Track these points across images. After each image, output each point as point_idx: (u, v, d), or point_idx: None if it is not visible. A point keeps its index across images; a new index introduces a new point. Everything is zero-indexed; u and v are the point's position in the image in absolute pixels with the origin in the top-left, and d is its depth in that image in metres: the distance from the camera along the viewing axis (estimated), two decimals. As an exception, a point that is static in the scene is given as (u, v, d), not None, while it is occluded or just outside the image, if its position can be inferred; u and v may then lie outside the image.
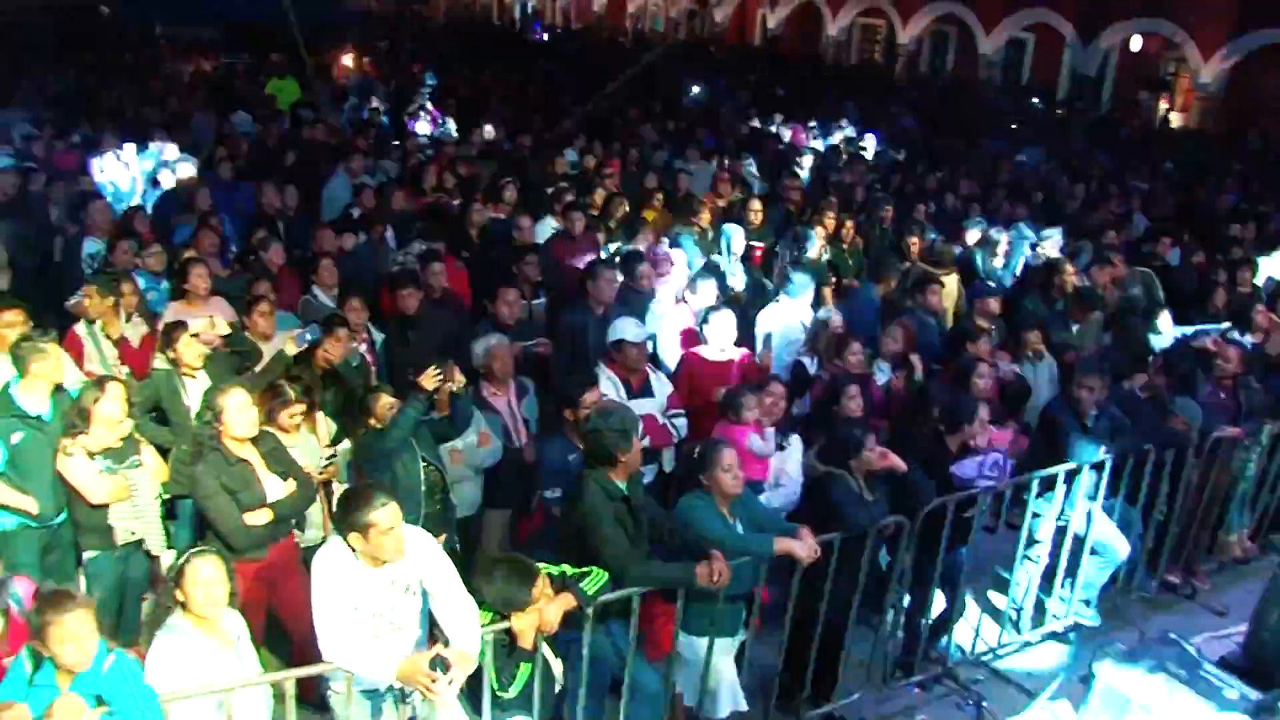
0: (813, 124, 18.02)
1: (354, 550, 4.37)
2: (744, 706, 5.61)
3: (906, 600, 6.45)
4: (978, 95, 22.98)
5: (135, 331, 7.32)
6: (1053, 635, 7.09)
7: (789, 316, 8.18)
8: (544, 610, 4.57)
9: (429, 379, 5.73)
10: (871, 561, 5.89)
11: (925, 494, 6.03)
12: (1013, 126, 18.58)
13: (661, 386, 6.97)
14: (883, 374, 7.56)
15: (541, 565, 4.71)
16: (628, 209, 10.69)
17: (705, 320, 7.40)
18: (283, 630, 5.63)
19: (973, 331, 7.87)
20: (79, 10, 25.57)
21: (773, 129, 18.03)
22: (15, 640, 4.29)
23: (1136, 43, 23.32)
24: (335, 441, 6.35)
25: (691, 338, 7.77)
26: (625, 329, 6.86)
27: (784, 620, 5.75)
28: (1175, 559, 7.56)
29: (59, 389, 5.97)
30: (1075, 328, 8.85)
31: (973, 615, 6.97)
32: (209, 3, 26.27)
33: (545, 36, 31.50)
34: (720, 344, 7.31)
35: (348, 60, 22.32)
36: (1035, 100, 22.96)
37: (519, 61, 25.21)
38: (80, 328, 7.11)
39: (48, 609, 3.90)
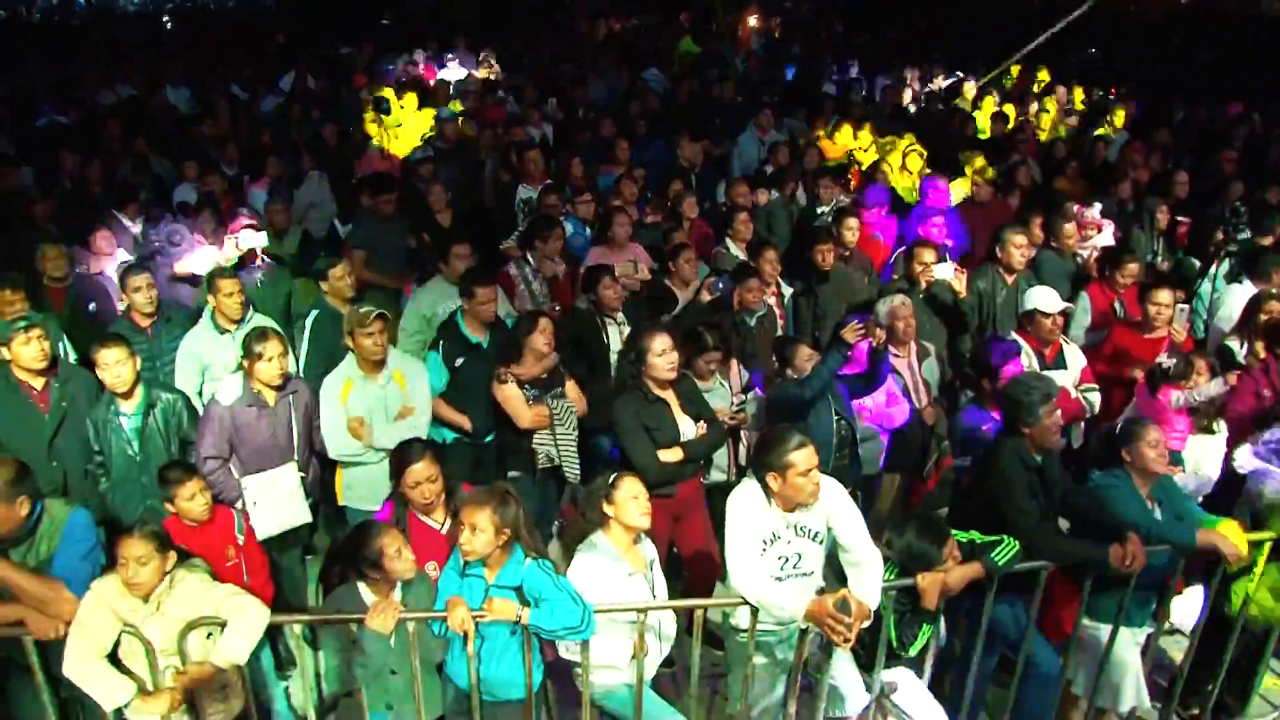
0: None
1: (769, 491, 4.47)
2: (1147, 704, 5.30)
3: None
4: None
5: (558, 272, 7.86)
6: None
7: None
8: (950, 573, 4.55)
9: (851, 333, 5.77)
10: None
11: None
12: None
13: (1075, 358, 6.69)
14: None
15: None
16: (1036, 174, 10.28)
17: (1146, 298, 6.97)
18: (681, 565, 5.90)
19: None
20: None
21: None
22: (440, 548, 4.77)
23: None
24: (747, 389, 6.52)
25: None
26: (1040, 298, 6.61)
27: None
28: None
29: (496, 321, 6.54)
30: None
31: None
32: None
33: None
34: (1159, 322, 6.89)
35: (753, 21, 22.55)
36: None
37: (922, 18, 24.47)
38: (512, 267, 7.71)
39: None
